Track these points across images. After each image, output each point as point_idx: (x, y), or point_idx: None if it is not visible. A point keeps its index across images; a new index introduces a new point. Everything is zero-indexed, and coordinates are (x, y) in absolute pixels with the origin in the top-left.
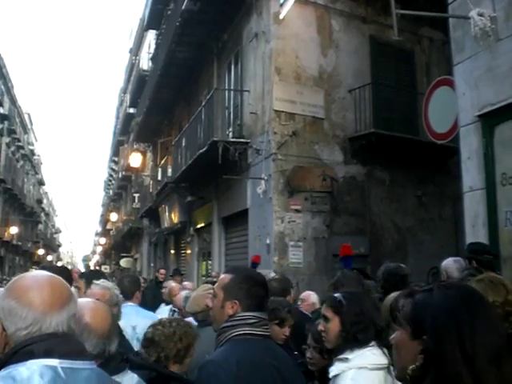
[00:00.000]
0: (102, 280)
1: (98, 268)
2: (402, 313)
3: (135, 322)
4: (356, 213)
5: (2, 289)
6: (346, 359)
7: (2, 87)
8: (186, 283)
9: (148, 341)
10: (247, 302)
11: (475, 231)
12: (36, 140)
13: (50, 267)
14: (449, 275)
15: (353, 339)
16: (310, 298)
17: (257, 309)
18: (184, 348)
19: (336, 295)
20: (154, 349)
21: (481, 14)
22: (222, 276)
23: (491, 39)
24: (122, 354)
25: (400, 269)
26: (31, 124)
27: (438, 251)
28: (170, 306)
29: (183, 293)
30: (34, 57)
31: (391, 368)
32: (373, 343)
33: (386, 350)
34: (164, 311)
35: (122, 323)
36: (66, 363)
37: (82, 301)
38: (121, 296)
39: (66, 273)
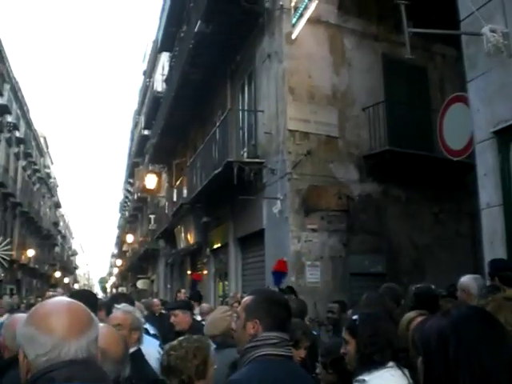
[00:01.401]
0: (123, 304)
1: (119, 290)
2: None
3: None
4: (372, 231)
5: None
6: (363, 381)
7: (18, 111)
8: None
9: (165, 368)
10: (267, 321)
11: (493, 248)
12: (52, 163)
13: (77, 293)
14: (470, 293)
15: (369, 360)
16: None
17: (278, 329)
18: (202, 363)
19: (354, 317)
20: (174, 374)
21: (493, 31)
22: (245, 298)
23: (504, 55)
24: (131, 378)
25: (431, 290)
26: (47, 147)
27: (456, 268)
28: None
29: None
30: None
31: None
32: (391, 364)
33: (406, 371)
34: None
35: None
36: None
37: None
38: (142, 320)
39: (91, 298)
